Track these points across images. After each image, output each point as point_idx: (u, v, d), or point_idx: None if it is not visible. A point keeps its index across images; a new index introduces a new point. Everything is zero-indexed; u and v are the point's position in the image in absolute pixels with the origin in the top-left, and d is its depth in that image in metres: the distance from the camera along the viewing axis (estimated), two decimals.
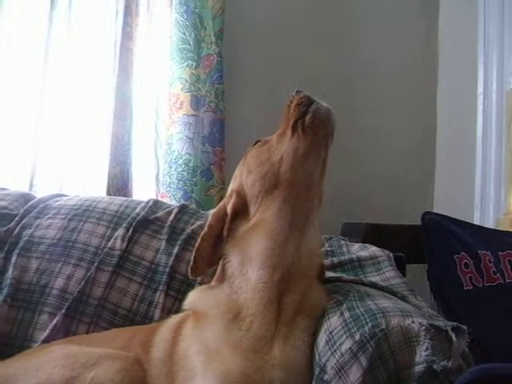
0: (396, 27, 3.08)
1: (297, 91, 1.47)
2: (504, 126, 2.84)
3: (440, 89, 3.06)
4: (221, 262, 1.44)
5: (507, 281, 1.94)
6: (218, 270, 1.46)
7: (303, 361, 1.28)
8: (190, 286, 1.77)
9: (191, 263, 1.45)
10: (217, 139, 2.61)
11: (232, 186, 1.51)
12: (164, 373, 1.34)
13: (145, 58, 2.62)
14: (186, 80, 2.59)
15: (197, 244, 1.45)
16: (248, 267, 1.37)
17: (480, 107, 2.89)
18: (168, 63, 2.62)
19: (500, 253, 1.98)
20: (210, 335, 1.33)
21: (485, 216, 2.80)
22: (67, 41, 2.49)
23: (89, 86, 2.54)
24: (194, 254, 1.45)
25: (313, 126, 1.40)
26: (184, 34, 2.59)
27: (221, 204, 1.51)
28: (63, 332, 1.71)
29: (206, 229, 1.47)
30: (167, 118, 2.60)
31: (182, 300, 1.61)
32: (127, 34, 2.51)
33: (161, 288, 1.80)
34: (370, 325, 1.18)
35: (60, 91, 2.47)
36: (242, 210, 1.44)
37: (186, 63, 2.60)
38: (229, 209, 1.45)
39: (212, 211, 1.52)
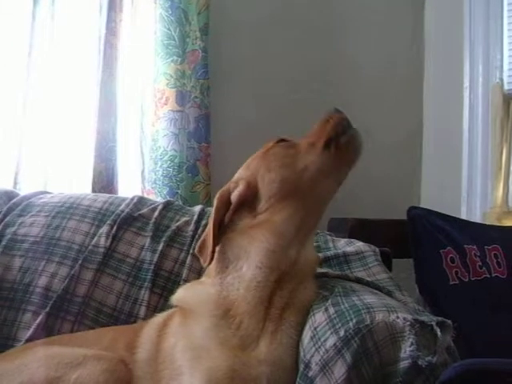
0: (382, 22, 3.06)
1: (336, 109, 1.48)
2: (490, 120, 2.86)
3: (426, 83, 3.05)
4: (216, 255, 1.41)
5: (493, 275, 1.95)
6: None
7: (290, 357, 1.27)
8: (176, 283, 1.77)
9: (209, 250, 1.40)
10: (202, 135, 2.59)
11: (242, 174, 1.49)
12: (149, 374, 1.32)
13: (129, 54, 2.59)
14: (171, 75, 2.57)
15: (210, 230, 1.41)
16: (244, 264, 1.36)
17: (466, 101, 2.90)
18: (153, 59, 2.59)
19: (486, 247, 1.98)
20: (198, 332, 1.32)
21: (472, 210, 2.81)
22: (50, 36, 2.45)
23: (73, 82, 2.51)
24: (210, 241, 1.40)
25: (346, 149, 1.42)
26: (169, 29, 2.57)
27: (224, 189, 1.47)
28: (47, 331, 1.69)
29: (214, 214, 1.42)
30: (152, 114, 2.57)
31: (167, 297, 1.61)
32: (111, 30, 2.48)
33: (146, 285, 1.78)
34: (354, 321, 1.17)
35: (44, 88, 2.44)
36: (246, 203, 1.41)
37: (170, 59, 2.58)
38: (235, 197, 1.42)
39: (216, 195, 1.47)
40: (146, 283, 1.78)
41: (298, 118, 2.79)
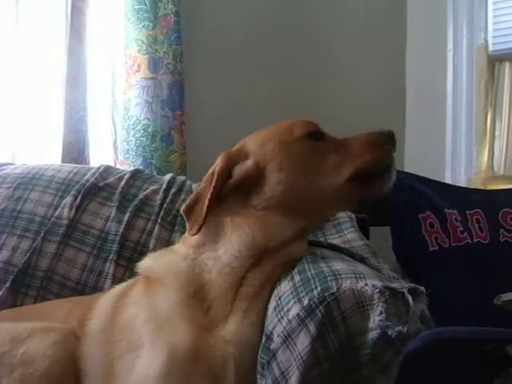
0: None
1: (391, 136, 1.32)
2: (474, 83, 2.79)
3: (409, 46, 2.96)
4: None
5: (475, 240, 1.88)
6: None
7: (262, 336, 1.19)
8: (142, 254, 1.68)
9: (199, 220, 1.26)
10: (176, 102, 2.51)
11: (254, 148, 1.33)
12: (102, 345, 1.25)
13: (98, 19, 2.49)
14: (142, 41, 2.49)
15: (206, 197, 1.27)
16: (222, 247, 1.27)
17: (450, 64, 2.84)
18: (123, 24, 2.50)
19: (468, 211, 1.92)
20: (164, 304, 1.24)
21: (456, 175, 2.76)
22: (15, 2, 2.36)
23: (39, 49, 2.41)
24: (203, 210, 1.26)
25: (370, 188, 1.30)
26: None
27: (231, 154, 1.32)
28: (8, 307, 1.62)
29: (216, 177, 1.28)
30: (124, 82, 2.49)
31: (133, 269, 1.52)
32: None
33: (111, 257, 1.72)
34: (319, 288, 1.09)
35: (9, 57, 2.35)
36: (246, 184, 1.29)
37: (142, 24, 2.49)
38: (239, 173, 1.30)
39: (222, 157, 1.32)
40: (111, 255, 1.72)
41: (274, 81, 2.73)
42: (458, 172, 2.77)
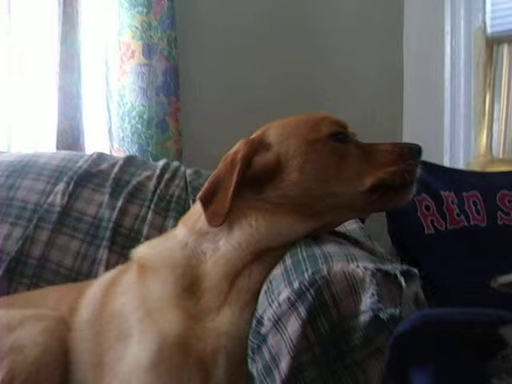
0: None
1: (417, 150, 1.28)
2: (472, 66, 2.77)
3: (406, 29, 2.93)
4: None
5: (472, 223, 1.86)
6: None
7: None
8: (136, 240, 1.70)
9: (223, 210, 1.20)
10: (171, 88, 2.47)
11: (277, 141, 1.27)
12: (91, 335, 1.24)
13: (91, 6, 2.46)
14: (136, 28, 2.45)
15: (231, 184, 1.21)
16: (222, 238, 1.23)
17: (448, 47, 2.83)
18: (116, 10, 2.46)
19: (464, 193, 1.90)
20: (156, 294, 1.21)
21: (455, 159, 2.75)
22: None
23: (32, 36, 2.38)
24: (227, 198, 1.20)
25: (389, 201, 1.27)
26: None
27: (253, 140, 1.28)
28: (1, 295, 1.61)
29: (240, 162, 1.22)
30: (118, 69, 2.46)
31: (126, 256, 1.52)
32: None
33: (104, 244, 1.71)
34: (310, 271, 1.07)
35: (1, 43, 2.32)
36: (264, 176, 1.25)
37: (135, 9, 2.45)
38: (260, 163, 1.25)
39: (242, 142, 1.28)
40: (104, 242, 1.72)
41: (270, 66, 2.71)
42: (457, 156, 2.75)
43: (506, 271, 1.62)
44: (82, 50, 2.41)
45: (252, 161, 1.24)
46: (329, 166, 1.24)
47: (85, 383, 1.22)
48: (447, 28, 2.80)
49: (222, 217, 1.20)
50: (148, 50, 2.46)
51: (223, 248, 1.22)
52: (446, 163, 2.70)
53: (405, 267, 1.10)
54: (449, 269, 1.72)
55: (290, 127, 1.29)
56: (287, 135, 1.27)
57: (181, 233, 1.30)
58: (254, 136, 1.31)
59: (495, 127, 2.75)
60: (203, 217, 1.24)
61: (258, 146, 1.26)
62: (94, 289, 1.34)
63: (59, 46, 2.34)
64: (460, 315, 0.89)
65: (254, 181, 1.24)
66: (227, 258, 1.21)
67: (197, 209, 1.30)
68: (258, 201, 1.23)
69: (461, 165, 2.69)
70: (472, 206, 1.88)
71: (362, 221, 1.72)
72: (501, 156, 2.71)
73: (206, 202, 1.23)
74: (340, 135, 1.27)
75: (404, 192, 1.27)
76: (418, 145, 1.29)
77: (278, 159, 1.24)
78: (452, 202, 1.86)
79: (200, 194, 1.25)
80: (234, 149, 1.28)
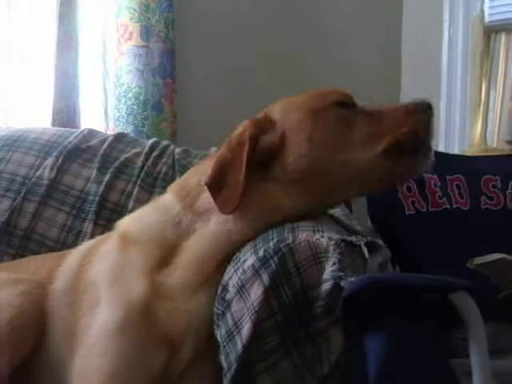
0: None
1: (428, 106, 1.23)
2: (470, 55, 2.77)
3: (405, 17, 2.93)
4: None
5: (454, 206, 1.87)
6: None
7: None
8: (121, 215, 1.70)
9: (234, 195, 1.16)
10: (167, 70, 2.49)
11: (281, 118, 1.24)
12: (66, 304, 1.26)
13: None
14: (134, 9, 2.47)
15: (241, 166, 1.16)
16: (214, 217, 1.22)
17: (446, 35, 2.81)
18: None
19: (448, 177, 1.91)
20: (134, 263, 1.22)
21: (450, 147, 2.74)
22: None
23: (30, 16, 2.41)
24: (238, 181, 1.16)
25: (406, 165, 1.20)
26: None
27: (259, 120, 1.25)
28: None
29: (248, 141, 1.18)
30: (115, 50, 2.48)
31: (111, 229, 1.53)
32: None
33: (89, 217, 1.74)
34: (275, 240, 1.10)
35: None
36: (269, 155, 1.21)
37: None
38: (266, 143, 1.21)
39: (247, 123, 1.25)
40: (90, 215, 1.74)
41: (267, 49, 2.72)
42: (452, 144, 2.75)
43: (487, 253, 1.63)
44: (80, 30, 2.43)
45: (258, 140, 1.21)
46: (336, 134, 1.20)
47: (60, 351, 1.24)
48: (445, 16, 2.80)
49: (235, 201, 1.16)
50: (145, 32, 2.47)
51: (213, 227, 1.21)
52: (441, 151, 2.69)
53: (369, 239, 1.12)
54: (428, 248, 1.73)
55: (294, 102, 1.27)
56: (291, 110, 1.25)
57: (171, 204, 1.28)
58: (258, 116, 1.29)
59: (490, 116, 2.75)
60: (203, 196, 1.23)
61: (263, 125, 1.23)
62: (72, 257, 1.35)
63: (57, 26, 2.36)
64: (410, 279, 0.91)
65: (258, 162, 1.20)
66: (215, 237, 1.21)
67: (192, 184, 1.28)
68: (262, 182, 1.20)
69: (456, 152, 2.69)
70: (455, 189, 1.88)
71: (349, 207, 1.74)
72: (495, 145, 2.71)
73: (215, 188, 1.19)
74: (347, 104, 1.24)
75: (423, 151, 1.21)
76: (426, 100, 1.25)
77: (283, 135, 1.21)
78: (435, 184, 1.87)
79: (206, 179, 1.20)
80: (238, 130, 1.25)
